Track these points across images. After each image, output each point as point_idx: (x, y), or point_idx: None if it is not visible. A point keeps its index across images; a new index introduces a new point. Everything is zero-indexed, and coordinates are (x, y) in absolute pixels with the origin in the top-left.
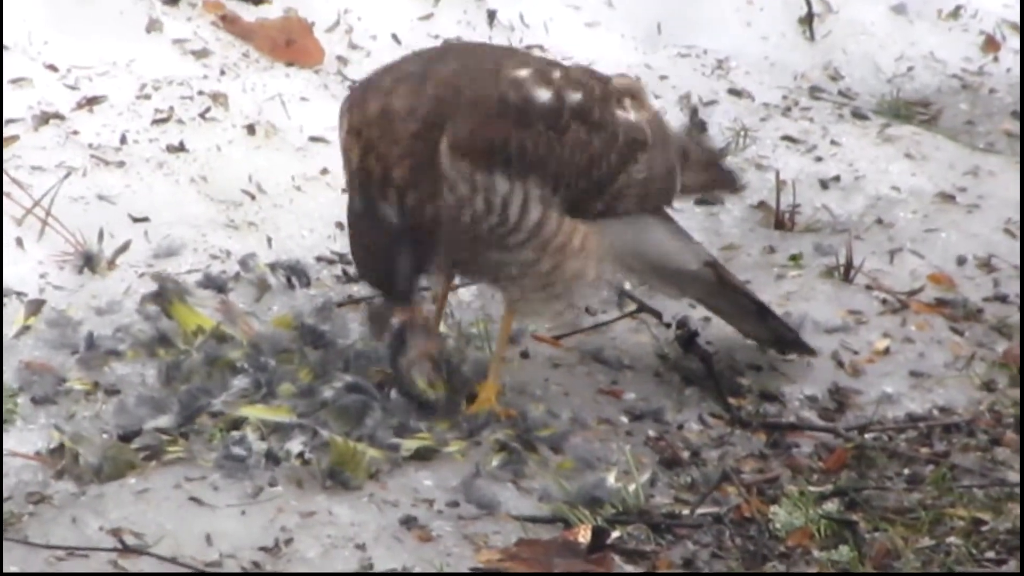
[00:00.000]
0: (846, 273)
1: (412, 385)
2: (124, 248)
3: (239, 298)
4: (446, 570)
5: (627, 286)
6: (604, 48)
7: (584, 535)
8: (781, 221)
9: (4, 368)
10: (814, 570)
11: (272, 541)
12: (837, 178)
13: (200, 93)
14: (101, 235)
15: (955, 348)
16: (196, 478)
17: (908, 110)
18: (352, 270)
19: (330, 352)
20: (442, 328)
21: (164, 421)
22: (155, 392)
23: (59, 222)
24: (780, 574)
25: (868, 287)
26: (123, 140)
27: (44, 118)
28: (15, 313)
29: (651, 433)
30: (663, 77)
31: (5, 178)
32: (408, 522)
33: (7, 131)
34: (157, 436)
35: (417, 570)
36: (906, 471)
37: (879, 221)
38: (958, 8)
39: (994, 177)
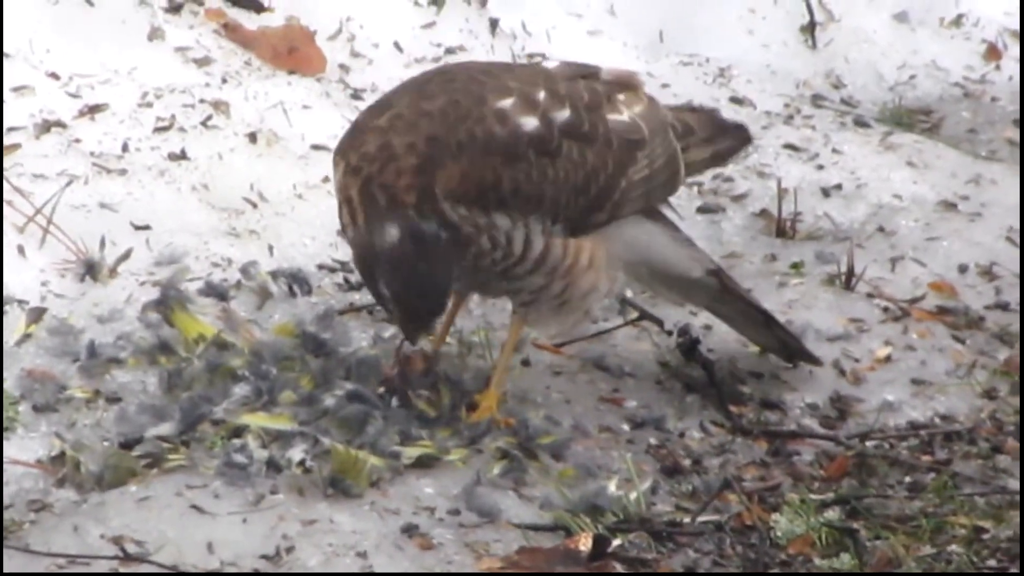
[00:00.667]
0: (848, 281)
1: (412, 405)
2: (126, 256)
3: (241, 306)
4: None
5: (628, 294)
6: (606, 56)
7: (585, 543)
8: (783, 229)
9: (5, 376)
10: None
11: (273, 549)
12: (839, 186)
13: (202, 101)
14: (103, 243)
15: (957, 356)
16: (197, 486)
17: (910, 118)
18: (353, 278)
19: (331, 360)
20: (448, 339)
21: (165, 429)
22: (156, 400)
23: (61, 230)
24: None
25: (870, 295)
26: (125, 148)
27: (46, 126)
28: (17, 321)
29: (652, 441)
30: (665, 85)
31: (7, 186)
32: (409, 530)
33: (9, 139)
34: (158, 444)
35: None
36: (907, 479)
37: (881, 229)
38: (960, 16)
39: (996, 185)
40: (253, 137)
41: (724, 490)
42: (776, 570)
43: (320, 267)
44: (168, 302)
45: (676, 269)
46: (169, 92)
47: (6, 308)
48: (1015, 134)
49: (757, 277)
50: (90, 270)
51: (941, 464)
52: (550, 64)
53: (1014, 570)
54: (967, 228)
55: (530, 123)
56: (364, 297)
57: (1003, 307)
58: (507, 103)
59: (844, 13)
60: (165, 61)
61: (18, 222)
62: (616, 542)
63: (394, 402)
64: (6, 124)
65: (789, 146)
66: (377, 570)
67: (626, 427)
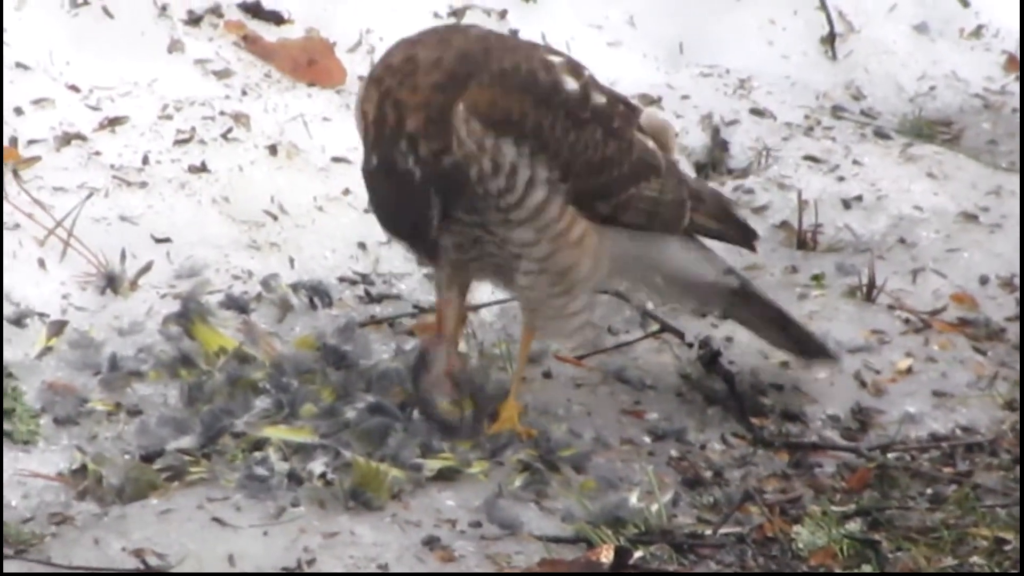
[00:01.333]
0: (868, 293)
1: (434, 406)
2: (146, 269)
3: (261, 319)
4: None
5: (649, 306)
6: (626, 67)
7: (607, 555)
8: (803, 241)
9: (27, 389)
10: None
11: (295, 562)
12: (859, 198)
13: (222, 113)
14: (123, 256)
15: (978, 368)
16: (218, 499)
17: (930, 129)
18: (374, 290)
19: (352, 372)
20: (463, 348)
21: (186, 442)
22: (177, 413)
23: (81, 243)
24: None
25: (890, 307)
26: (145, 161)
27: (66, 139)
28: (37, 334)
29: (673, 453)
30: (685, 97)
31: (27, 199)
32: (430, 542)
33: (29, 152)
34: (179, 457)
35: None
36: (929, 491)
37: (901, 241)
38: (980, 27)
39: (1016, 196)
40: (273, 149)
41: (745, 502)
42: None
43: (341, 279)
44: (189, 315)
45: (690, 274)
46: (189, 104)
47: (27, 321)
48: None
49: (778, 289)
50: (111, 283)
51: (962, 476)
52: None
53: None
54: (988, 239)
55: (571, 84)
56: (385, 309)
57: (1021, 318)
58: (555, 59)
59: (864, 24)
60: (185, 73)
61: (39, 235)
62: (637, 554)
63: (415, 414)
64: (27, 137)
65: (809, 157)
66: None
67: (647, 439)
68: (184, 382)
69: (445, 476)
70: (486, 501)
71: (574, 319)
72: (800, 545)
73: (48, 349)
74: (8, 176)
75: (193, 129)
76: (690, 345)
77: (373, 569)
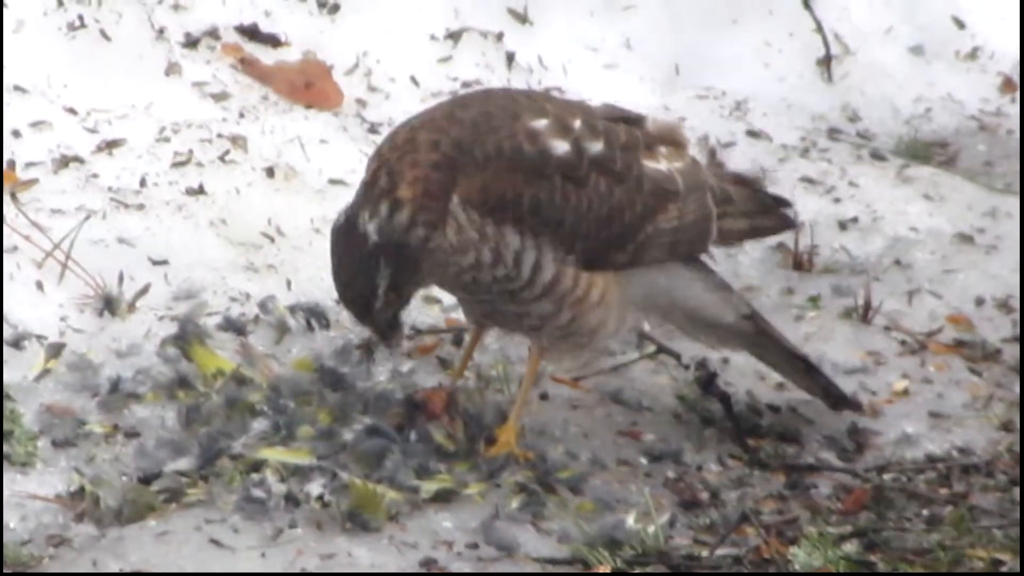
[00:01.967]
0: (864, 314)
1: (430, 439)
2: (144, 291)
3: (259, 340)
4: None
5: (646, 327)
6: (622, 90)
7: None
8: (799, 262)
9: (25, 411)
10: None
11: None
12: (855, 219)
13: (219, 136)
14: (121, 278)
15: (974, 389)
16: (216, 520)
17: (926, 151)
18: None
19: (350, 394)
20: (467, 372)
21: (184, 464)
22: (175, 435)
23: (79, 265)
24: None
25: (886, 328)
26: (142, 183)
27: (64, 161)
28: (35, 356)
29: (670, 474)
30: (681, 119)
31: (25, 221)
32: (428, 564)
33: (27, 174)
34: (177, 479)
35: None
36: (925, 512)
37: (897, 262)
38: (975, 49)
39: (1012, 218)
40: (270, 172)
41: (742, 523)
42: None
43: (338, 301)
44: (186, 337)
45: (708, 314)
46: (186, 127)
47: (25, 343)
48: None
49: (774, 311)
50: (108, 305)
51: (959, 497)
52: (594, 103)
53: None
54: (984, 261)
55: (560, 147)
56: None
57: (1020, 339)
58: (540, 123)
59: (860, 47)
60: (182, 96)
61: (37, 257)
62: None
63: (412, 436)
64: (25, 159)
65: (805, 179)
66: None
67: (644, 460)
68: (182, 404)
69: (442, 498)
70: (483, 523)
71: (587, 352)
72: (797, 566)
73: (46, 371)
74: (6, 198)
75: (190, 151)
76: (687, 367)
77: None
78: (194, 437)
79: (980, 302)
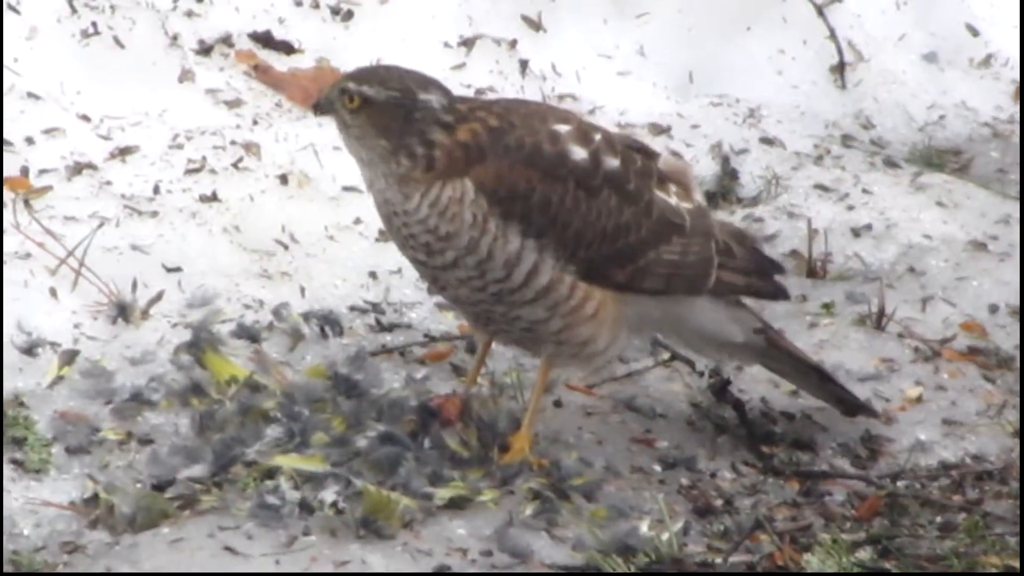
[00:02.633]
0: (878, 321)
1: (444, 446)
2: (157, 298)
3: (272, 348)
4: None
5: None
6: (636, 97)
7: None
8: (813, 269)
9: (39, 418)
10: None
11: None
12: (869, 226)
13: (233, 143)
14: (135, 285)
15: (987, 396)
16: (230, 527)
17: (939, 158)
18: (384, 319)
19: (363, 401)
20: (481, 379)
21: (198, 470)
22: (189, 441)
23: (92, 272)
24: None
25: (900, 335)
26: (156, 190)
27: (77, 168)
28: (49, 363)
29: (684, 481)
30: (695, 126)
31: (38, 228)
32: (442, 571)
33: (40, 181)
34: (191, 485)
35: None
36: (939, 519)
37: (911, 269)
38: (989, 57)
39: None
40: (284, 179)
41: (756, 530)
42: None
43: (352, 308)
44: (200, 344)
45: (716, 336)
46: (200, 134)
47: (38, 351)
48: None
49: (788, 318)
50: (122, 312)
51: (972, 504)
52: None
53: None
54: (997, 268)
55: (579, 153)
56: (396, 338)
57: (1021, 339)
58: (563, 128)
59: (873, 54)
60: (196, 103)
61: (50, 264)
62: None
63: (426, 443)
64: (38, 166)
65: (819, 186)
66: None
67: (658, 467)
68: (195, 411)
69: (456, 505)
70: (497, 530)
71: (597, 359)
72: (810, 573)
73: (60, 378)
74: (20, 206)
75: (204, 158)
76: (700, 374)
77: None
78: (208, 444)
79: (994, 309)
